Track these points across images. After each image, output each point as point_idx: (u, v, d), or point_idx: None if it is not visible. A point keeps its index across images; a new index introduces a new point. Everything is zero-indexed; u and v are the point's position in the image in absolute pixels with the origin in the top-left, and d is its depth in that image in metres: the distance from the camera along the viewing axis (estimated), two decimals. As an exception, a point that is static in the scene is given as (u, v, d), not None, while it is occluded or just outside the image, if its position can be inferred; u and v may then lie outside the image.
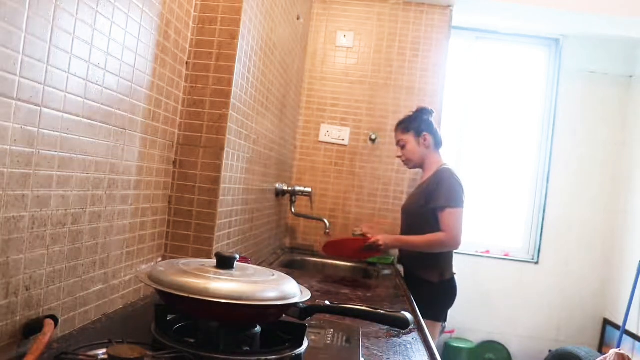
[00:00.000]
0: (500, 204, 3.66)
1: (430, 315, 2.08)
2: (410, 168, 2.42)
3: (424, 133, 2.30)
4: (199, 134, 1.45)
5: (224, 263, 0.95)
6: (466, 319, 3.46)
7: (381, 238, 2.16)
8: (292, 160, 2.87)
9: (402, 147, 2.33)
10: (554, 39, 3.60)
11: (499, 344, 3.50)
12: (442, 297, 2.23)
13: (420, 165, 2.34)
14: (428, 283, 2.18)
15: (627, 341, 3.15)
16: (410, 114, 2.37)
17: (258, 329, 0.94)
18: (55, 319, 0.86)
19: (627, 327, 3.15)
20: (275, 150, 2.30)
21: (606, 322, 3.47)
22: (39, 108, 0.81)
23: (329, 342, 1.07)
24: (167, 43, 1.30)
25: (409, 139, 2.31)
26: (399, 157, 2.37)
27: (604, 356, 2.80)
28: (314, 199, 2.73)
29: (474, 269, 3.52)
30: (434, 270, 2.20)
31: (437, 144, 2.33)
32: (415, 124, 2.31)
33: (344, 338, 1.11)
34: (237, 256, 0.98)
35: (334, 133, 2.92)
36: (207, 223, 1.45)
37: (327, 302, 1.02)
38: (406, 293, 1.90)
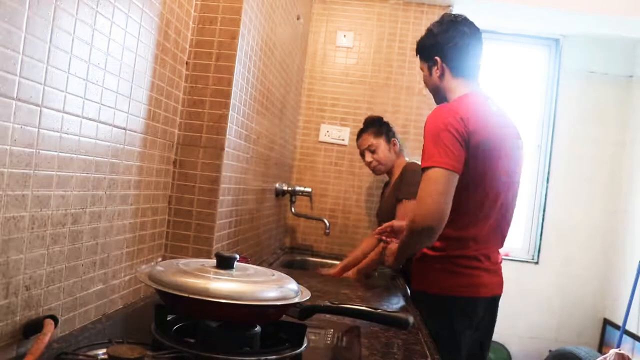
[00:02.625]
0: (500, 204, 3.66)
1: None
2: (379, 174, 2.37)
3: (393, 138, 2.33)
4: (199, 134, 1.45)
5: (224, 263, 0.96)
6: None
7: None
8: (292, 160, 2.87)
9: (373, 152, 2.29)
10: (554, 39, 3.60)
11: (499, 344, 3.50)
12: None
13: (389, 171, 2.34)
14: None
15: (627, 341, 3.15)
16: (372, 119, 2.40)
17: (258, 329, 0.94)
18: (55, 319, 0.86)
19: (627, 327, 3.15)
20: (275, 150, 2.30)
21: (606, 322, 3.47)
22: (39, 108, 0.81)
23: (329, 342, 1.07)
24: (167, 43, 1.30)
25: (380, 143, 2.30)
26: (368, 163, 2.31)
27: (604, 356, 2.80)
28: (314, 199, 2.73)
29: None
30: None
31: (402, 149, 2.37)
32: (384, 128, 2.33)
33: (344, 338, 1.11)
34: (237, 256, 0.98)
35: (334, 133, 2.92)
36: (207, 223, 1.45)
37: (327, 302, 1.02)
38: (406, 293, 1.90)
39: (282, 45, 2.14)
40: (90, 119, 0.96)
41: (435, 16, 2.89)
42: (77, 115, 0.92)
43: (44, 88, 0.81)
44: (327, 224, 2.61)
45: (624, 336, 3.16)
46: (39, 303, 0.87)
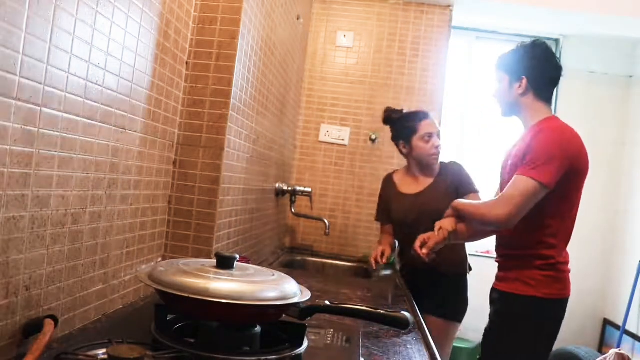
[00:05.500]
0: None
1: (458, 316, 2.10)
2: (436, 163, 2.22)
3: None
4: (199, 134, 1.45)
5: (224, 263, 0.96)
6: (466, 319, 3.45)
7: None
8: (292, 160, 2.87)
9: (439, 138, 2.21)
10: (554, 39, 3.60)
11: (499, 344, 3.49)
12: (466, 292, 2.23)
13: (432, 166, 2.24)
14: (459, 277, 2.19)
15: (627, 341, 3.15)
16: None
17: (258, 329, 0.94)
18: (55, 319, 0.86)
19: (627, 327, 3.15)
20: (275, 150, 2.30)
21: (606, 322, 3.47)
22: (39, 108, 0.81)
23: (329, 342, 1.07)
24: (167, 43, 1.30)
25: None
26: (436, 147, 2.18)
27: (604, 356, 2.80)
28: (314, 199, 2.73)
29: (474, 269, 3.51)
30: (464, 261, 2.20)
31: None
32: None
33: (344, 338, 1.11)
34: (237, 256, 0.98)
35: (334, 133, 2.92)
36: (207, 223, 1.45)
37: (327, 302, 1.02)
38: (406, 293, 1.90)
39: (282, 45, 2.14)
40: (90, 119, 0.96)
41: (435, 16, 2.90)
42: (77, 115, 0.92)
43: (44, 88, 0.81)
44: (327, 224, 2.61)
45: (624, 336, 3.16)
46: (39, 303, 0.87)
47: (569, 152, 1.62)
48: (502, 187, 1.74)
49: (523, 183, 1.57)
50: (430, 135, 2.16)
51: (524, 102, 1.75)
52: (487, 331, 1.74)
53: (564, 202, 1.65)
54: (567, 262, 1.68)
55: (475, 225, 1.76)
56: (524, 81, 1.72)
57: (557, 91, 3.57)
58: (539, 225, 1.63)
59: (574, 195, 1.69)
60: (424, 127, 2.17)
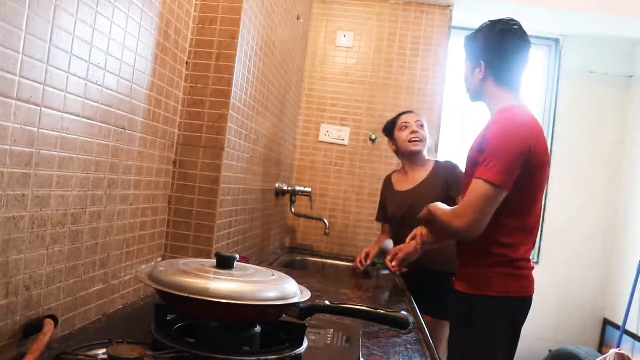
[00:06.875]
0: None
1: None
2: (418, 152, 2.25)
3: None
4: (199, 134, 1.45)
5: (224, 263, 0.96)
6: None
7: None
8: (292, 160, 2.87)
9: (422, 127, 2.25)
10: (554, 39, 3.60)
11: (499, 344, 3.49)
12: None
13: (422, 162, 2.27)
14: (452, 276, 2.18)
15: (627, 341, 3.15)
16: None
17: (258, 329, 0.94)
18: (55, 319, 0.86)
19: (627, 327, 3.15)
20: (275, 150, 2.30)
21: (606, 322, 3.47)
22: (39, 108, 0.81)
23: (329, 342, 1.07)
24: (167, 43, 1.30)
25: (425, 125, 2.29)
26: (415, 132, 2.22)
27: (604, 356, 2.80)
28: (314, 199, 2.73)
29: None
30: (453, 260, 2.20)
31: None
32: None
33: (344, 338, 1.11)
34: (237, 256, 0.98)
35: (334, 133, 2.92)
36: (207, 223, 1.45)
37: (327, 302, 1.02)
38: (406, 293, 1.90)
39: (282, 45, 2.14)
40: (90, 119, 0.96)
41: (435, 16, 2.90)
42: (77, 115, 0.92)
43: (44, 88, 0.81)
44: (327, 224, 2.61)
45: (624, 336, 3.16)
46: (39, 303, 0.87)
47: (521, 147, 1.50)
48: (465, 177, 1.66)
49: (479, 187, 1.49)
50: (406, 125, 2.25)
51: (486, 88, 1.66)
52: (450, 333, 1.72)
53: (521, 199, 1.56)
54: (526, 260, 1.61)
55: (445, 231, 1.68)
56: (482, 66, 1.64)
57: (557, 91, 3.57)
58: (492, 224, 1.54)
59: (534, 190, 1.59)
60: (401, 119, 2.28)
